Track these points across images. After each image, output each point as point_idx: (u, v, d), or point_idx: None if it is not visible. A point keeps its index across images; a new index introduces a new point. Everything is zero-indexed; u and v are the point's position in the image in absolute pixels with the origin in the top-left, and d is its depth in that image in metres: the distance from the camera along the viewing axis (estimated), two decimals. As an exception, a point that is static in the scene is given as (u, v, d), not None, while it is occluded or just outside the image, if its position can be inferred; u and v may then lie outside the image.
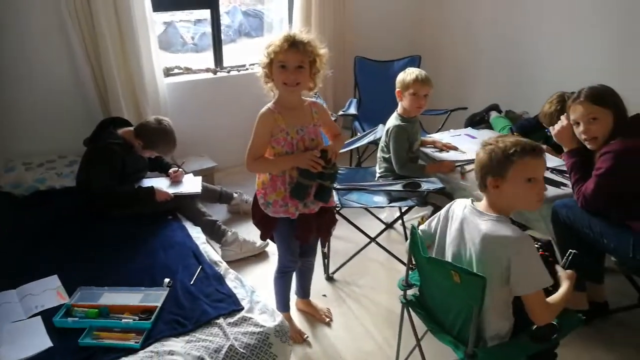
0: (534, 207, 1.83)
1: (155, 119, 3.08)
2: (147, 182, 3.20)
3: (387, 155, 2.96)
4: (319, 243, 2.66)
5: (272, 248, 3.25)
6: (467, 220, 1.83)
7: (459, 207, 1.90)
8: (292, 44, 2.02)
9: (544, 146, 3.10)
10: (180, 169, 3.35)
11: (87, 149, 3.06)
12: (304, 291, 2.76)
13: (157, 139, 3.06)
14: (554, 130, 2.58)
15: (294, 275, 2.62)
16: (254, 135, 2.16)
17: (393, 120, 2.94)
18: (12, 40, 3.29)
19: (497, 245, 1.71)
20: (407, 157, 2.90)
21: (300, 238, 2.34)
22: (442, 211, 1.97)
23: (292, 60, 2.04)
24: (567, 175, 2.51)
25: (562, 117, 2.55)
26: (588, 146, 2.34)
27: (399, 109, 2.95)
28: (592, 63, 3.55)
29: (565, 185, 2.64)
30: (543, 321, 1.76)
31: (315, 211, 2.28)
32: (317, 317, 2.74)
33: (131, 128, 3.11)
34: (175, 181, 3.26)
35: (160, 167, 3.40)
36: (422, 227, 2.01)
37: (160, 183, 3.20)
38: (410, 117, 2.92)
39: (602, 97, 2.26)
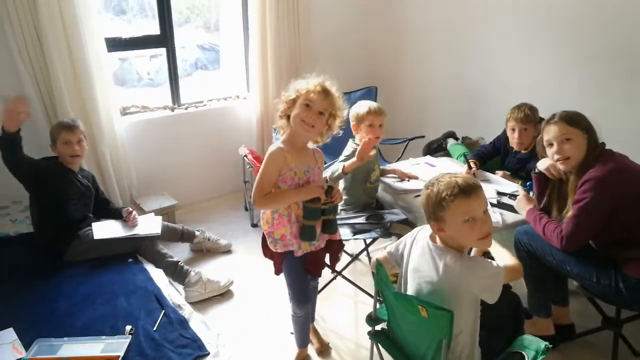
0: (483, 246, 1.83)
1: None
2: (102, 225, 3.11)
3: (346, 184, 2.97)
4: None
5: (237, 287, 3.20)
6: (425, 256, 1.85)
7: (422, 236, 1.92)
8: (324, 90, 2.16)
9: (500, 172, 3.21)
10: (132, 210, 3.24)
11: None
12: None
13: (51, 131, 3.06)
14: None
15: None
16: (262, 173, 2.16)
17: (351, 146, 2.95)
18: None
19: (458, 281, 1.75)
20: (340, 172, 2.84)
21: (311, 272, 2.36)
22: (409, 235, 1.99)
23: (318, 103, 2.14)
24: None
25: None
26: (561, 167, 2.37)
27: (357, 140, 2.96)
28: (541, 89, 3.67)
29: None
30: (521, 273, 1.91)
31: (321, 247, 2.33)
32: (314, 345, 2.71)
33: None
34: (131, 225, 3.17)
35: (112, 214, 3.27)
36: (389, 248, 2.04)
37: (118, 227, 3.12)
38: None
39: (575, 119, 2.31)
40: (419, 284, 1.86)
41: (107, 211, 3.28)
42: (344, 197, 2.99)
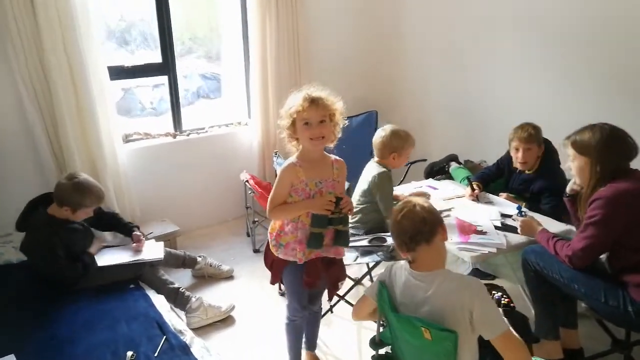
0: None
1: (67, 178, 2.89)
2: (107, 254, 3.09)
3: (362, 205, 2.99)
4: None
5: (238, 312, 3.17)
6: (411, 287, 1.83)
7: (399, 272, 1.91)
8: (312, 101, 2.16)
9: (503, 194, 3.20)
10: (141, 234, 3.24)
11: (24, 237, 2.92)
12: (309, 343, 2.70)
13: (79, 196, 2.86)
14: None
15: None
16: (275, 186, 2.26)
17: (377, 168, 2.98)
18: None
19: (456, 296, 1.72)
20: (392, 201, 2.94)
21: (308, 283, 2.33)
22: (384, 276, 1.96)
23: (314, 116, 2.16)
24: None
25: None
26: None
27: (378, 160, 3.03)
28: (542, 111, 3.67)
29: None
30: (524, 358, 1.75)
31: (322, 255, 2.31)
32: None
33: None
34: (138, 250, 3.15)
35: (119, 228, 3.27)
36: (367, 292, 2.02)
37: (121, 254, 3.11)
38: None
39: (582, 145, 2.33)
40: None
41: (113, 224, 3.28)
42: (357, 216, 2.99)
